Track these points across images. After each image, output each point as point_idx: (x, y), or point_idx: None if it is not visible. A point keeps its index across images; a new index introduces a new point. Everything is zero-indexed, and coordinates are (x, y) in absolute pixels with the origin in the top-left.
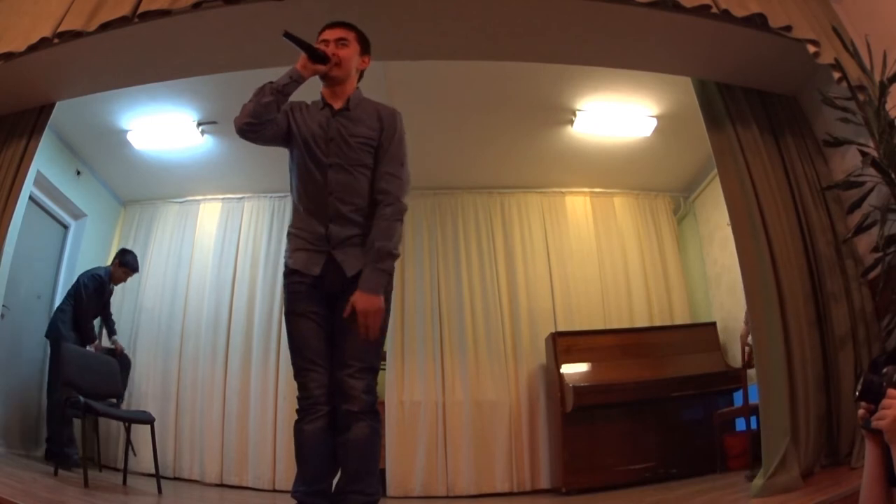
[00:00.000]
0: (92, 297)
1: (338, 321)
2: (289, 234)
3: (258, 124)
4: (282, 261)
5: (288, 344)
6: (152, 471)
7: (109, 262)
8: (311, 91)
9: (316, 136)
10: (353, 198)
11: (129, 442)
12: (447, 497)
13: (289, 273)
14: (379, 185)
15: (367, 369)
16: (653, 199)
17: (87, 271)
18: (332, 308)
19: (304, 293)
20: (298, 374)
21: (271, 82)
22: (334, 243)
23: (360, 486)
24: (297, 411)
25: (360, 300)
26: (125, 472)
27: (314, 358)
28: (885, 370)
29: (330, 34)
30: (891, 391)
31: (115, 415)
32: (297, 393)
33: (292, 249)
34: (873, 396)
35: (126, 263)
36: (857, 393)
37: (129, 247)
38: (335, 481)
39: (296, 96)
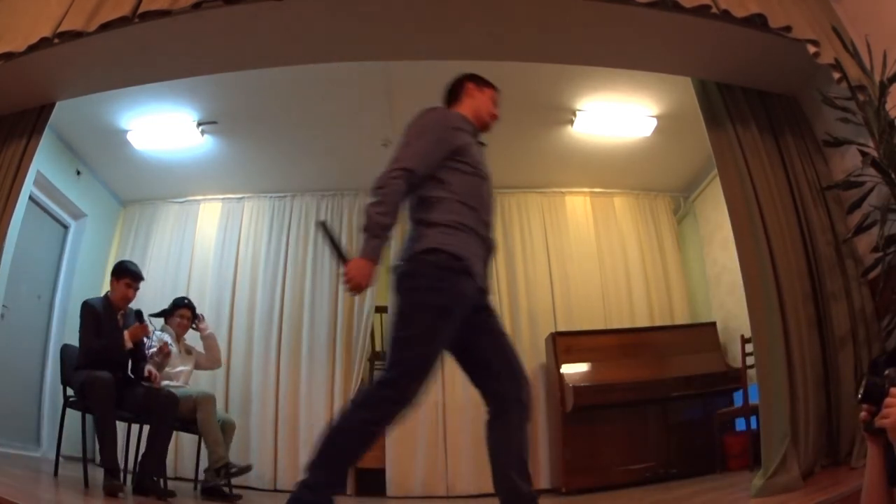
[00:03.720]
0: (88, 327)
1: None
2: (456, 227)
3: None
4: (282, 260)
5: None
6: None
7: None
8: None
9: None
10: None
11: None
12: (447, 497)
13: (466, 272)
14: None
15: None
16: (653, 199)
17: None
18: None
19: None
20: None
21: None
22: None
23: (305, 474)
24: None
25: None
26: (125, 472)
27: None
28: (886, 372)
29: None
30: (894, 390)
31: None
32: None
33: (472, 254)
34: (876, 398)
35: (117, 273)
36: (859, 396)
37: (128, 247)
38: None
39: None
